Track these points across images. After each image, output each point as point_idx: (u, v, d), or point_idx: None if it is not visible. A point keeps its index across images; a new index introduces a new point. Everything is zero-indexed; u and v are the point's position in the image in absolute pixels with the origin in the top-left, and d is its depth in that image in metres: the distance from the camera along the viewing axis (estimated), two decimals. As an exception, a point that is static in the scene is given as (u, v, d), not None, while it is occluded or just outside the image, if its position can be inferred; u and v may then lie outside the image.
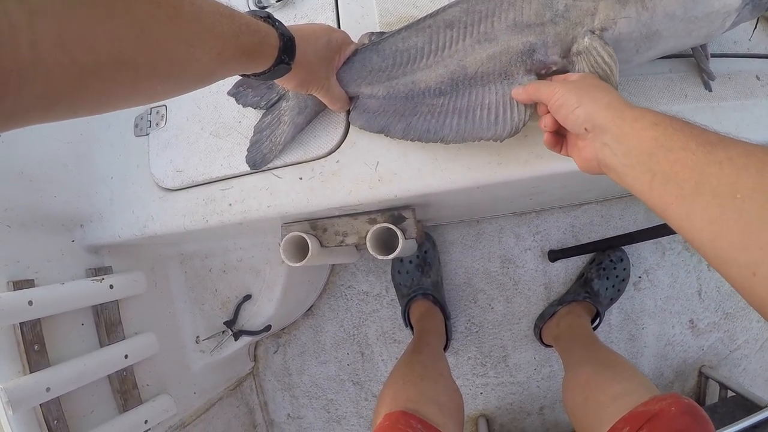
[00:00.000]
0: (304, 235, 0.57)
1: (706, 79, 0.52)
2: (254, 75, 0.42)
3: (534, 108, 0.44)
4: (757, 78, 0.55)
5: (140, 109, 0.69)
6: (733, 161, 0.25)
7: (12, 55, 0.22)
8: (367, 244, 0.55)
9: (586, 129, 0.35)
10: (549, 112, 0.40)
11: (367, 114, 0.51)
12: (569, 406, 0.65)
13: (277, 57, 0.40)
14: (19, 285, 0.61)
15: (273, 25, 0.40)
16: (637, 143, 0.31)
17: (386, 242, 0.59)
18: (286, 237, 0.58)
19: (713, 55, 0.53)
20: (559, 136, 0.43)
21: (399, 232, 0.54)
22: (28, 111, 0.24)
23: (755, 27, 0.55)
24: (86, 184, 0.69)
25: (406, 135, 0.48)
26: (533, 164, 0.49)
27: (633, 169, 0.31)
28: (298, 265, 0.56)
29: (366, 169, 0.52)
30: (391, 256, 0.54)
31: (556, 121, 0.42)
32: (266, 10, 0.60)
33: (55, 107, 0.26)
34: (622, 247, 0.94)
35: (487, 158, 0.49)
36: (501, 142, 0.45)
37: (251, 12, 0.40)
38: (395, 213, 0.57)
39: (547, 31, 0.44)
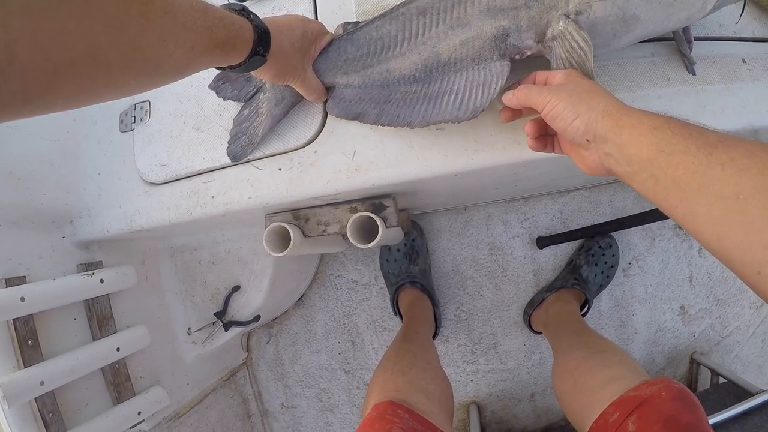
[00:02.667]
0: (286, 225, 0.58)
1: (688, 60, 0.51)
2: (230, 67, 0.42)
3: (497, 95, 0.45)
4: (743, 61, 0.54)
5: (125, 105, 0.69)
6: (734, 162, 0.25)
7: None
8: (348, 233, 0.55)
9: (588, 140, 0.35)
10: (532, 111, 0.40)
11: (344, 103, 0.51)
12: (559, 391, 0.65)
13: (251, 49, 0.41)
14: (11, 282, 0.61)
15: (248, 18, 0.41)
16: (637, 150, 0.31)
17: (370, 231, 0.59)
18: (269, 227, 0.58)
19: (697, 38, 0.52)
20: (545, 137, 0.43)
21: (379, 221, 0.54)
22: (4, 108, 0.25)
23: (742, 10, 0.54)
24: (74, 181, 0.69)
25: (378, 120, 0.48)
26: (510, 150, 0.49)
27: (637, 175, 0.31)
28: (280, 255, 0.57)
29: (344, 159, 0.52)
30: (371, 245, 0.54)
31: (539, 126, 0.42)
32: (243, 2, 0.60)
33: (31, 103, 0.26)
34: (611, 234, 0.94)
35: (463, 145, 0.49)
36: (458, 123, 0.46)
37: (226, 5, 0.40)
38: (376, 202, 0.57)
39: (521, 15, 0.44)
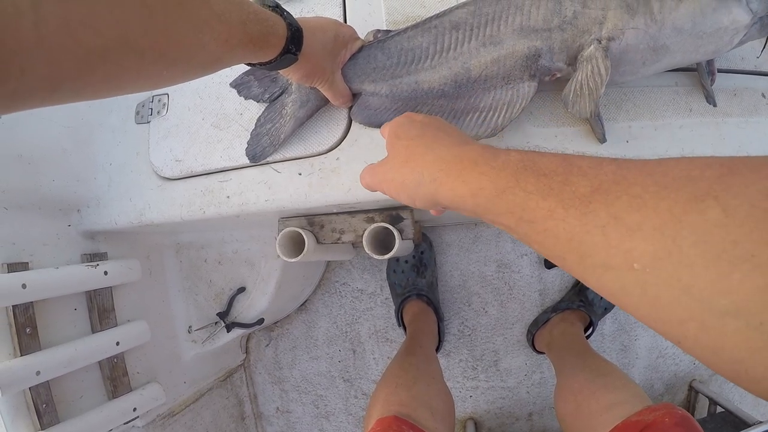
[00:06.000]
0: (301, 231, 0.57)
1: (708, 93, 0.52)
2: (260, 64, 0.41)
3: (518, 115, 0.45)
4: (763, 96, 0.55)
5: (142, 97, 0.68)
6: (619, 221, 0.19)
7: (15, 37, 0.21)
8: (364, 242, 0.55)
9: (444, 207, 0.31)
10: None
11: (369, 111, 0.50)
12: (561, 413, 0.65)
13: (284, 47, 0.40)
14: (13, 267, 0.60)
15: (281, 15, 0.40)
16: (493, 218, 0.25)
17: (383, 241, 0.59)
18: (283, 232, 0.58)
19: (720, 71, 0.53)
20: None
21: (396, 232, 0.54)
22: (32, 93, 0.24)
23: (765, 45, 0.55)
24: (85, 170, 0.68)
25: None
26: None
27: (515, 235, 0.25)
28: (293, 260, 0.56)
29: (366, 168, 0.51)
30: (387, 256, 0.54)
31: None
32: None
33: (59, 90, 0.25)
34: (619, 257, 0.94)
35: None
36: (478, 140, 0.45)
37: (259, 1, 0.40)
38: (393, 213, 0.56)
39: (554, 37, 0.44)
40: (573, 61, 0.45)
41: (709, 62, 0.52)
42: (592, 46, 0.43)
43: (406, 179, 0.31)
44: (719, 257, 0.15)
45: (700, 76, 0.52)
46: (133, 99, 0.69)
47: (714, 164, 0.18)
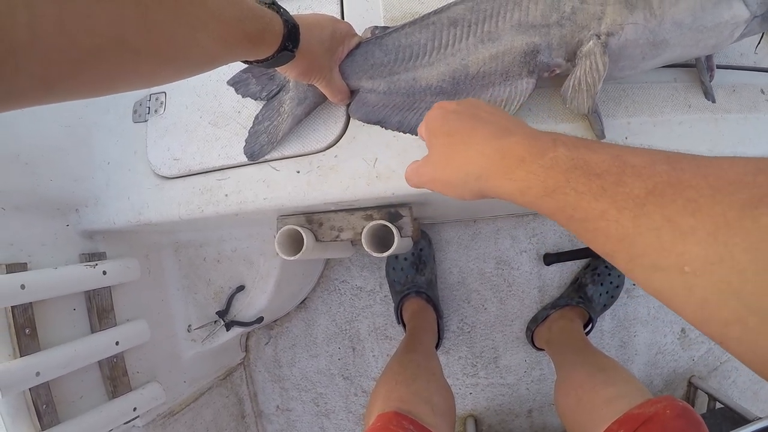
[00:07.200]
0: (300, 229, 0.57)
1: (706, 89, 0.52)
2: (257, 62, 0.41)
3: (516, 112, 0.45)
4: (762, 92, 0.54)
5: (139, 95, 0.68)
6: (673, 224, 0.19)
7: (9, 36, 0.21)
8: (363, 240, 0.54)
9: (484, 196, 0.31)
10: None
11: (367, 107, 0.50)
12: (562, 408, 0.65)
13: (280, 44, 0.40)
14: (12, 268, 0.60)
15: (278, 12, 0.40)
16: (547, 212, 0.25)
17: (382, 239, 0.59)
18: (282, 230, 0.58)
19: (719, 66, 0.53)
20: None
21: (395, 230, 0.54)
22: (26, 92, 0.24)
23: (760, 40, 0.55)
24: (82, 169, 0.68)
25: (400, 127, 0.48)
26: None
27: (565, 227, 0.25)
28: (292, 258, 0.56)
29: (364, 165, 0.51)
30: (386, 254, 0.54)
31: None
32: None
33: (54, 89, 0.25)
34: (618, 254, 0.94)
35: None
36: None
37: None
38: (392, 210, 0.56)
39: (552, 33, 0.44)
40: (572, 57, 0.45)
41: (708, 58, 0.51)
42: (591, 42, 0.43)
43: (451, 179, 0.32)
44: None
45: (699, 72, 0.52)
46: (130, 97, 0.69)
47: (767, 169, 0.18)
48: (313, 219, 0.59)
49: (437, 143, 0.35)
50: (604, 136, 0.48)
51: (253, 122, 0.56)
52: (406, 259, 0.95)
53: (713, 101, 0.52)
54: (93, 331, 0.69)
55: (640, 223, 0.20)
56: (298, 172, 0.53)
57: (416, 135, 0.48)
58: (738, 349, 0.17)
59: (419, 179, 0.37)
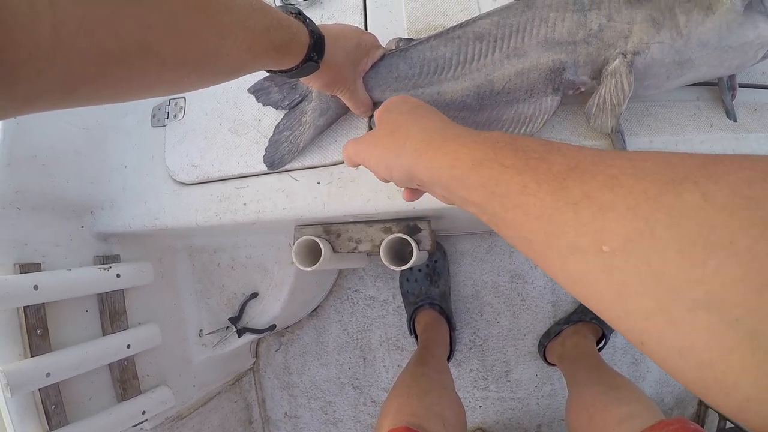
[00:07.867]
0: (318, 240, 0.56)
1: (728, 108, 0.51)
2: (281, 71, 0.41)
3: (539, 129, 0.44)
4: (783, 112, 0.54)
5: (159, 100, 0.68)
6: (591, 200, 0.18)
7: (31, 38, 0.21)
8: (381, 253, 0.54)
9: (418, 185, 0.32)
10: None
11: (390, 122, 0.50)
12: (573, 426, 0.64)
13: (306, 54, 0.40)
14: (26, 268, 0.60)
15: (303, 22, 0.40)
16: (465, 194, 0.25)
17: (399, 251, 0.58)
18: (299, 240, 0.57)
19: (741, 85, 0.52)
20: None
21: (414, 244, 0.53)
22: (47, 95, 0.23)
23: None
24: (99, 172, 0.68)
25: None
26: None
27: (483, 216, 0.25)
28: (309, 269, 0.56)
29: (385, 178, 0.51)
30: (404, 267, 0.53)
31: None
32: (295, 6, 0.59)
33: (76, 93, 0.25)
34: (632, 270, 0.93)
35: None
36: None
37: (281, 7, 0.40)
38: (411, 223, 0.56)
39: (579, 50, 0.44)
40: (597, 75, 0.45)
41: (731, 77, 0.51)
42: (617, 60, 0.43)
43: (387, 149, 0.31)
44: (694, 242, 0.14)
45: (721, 91, 0.51)
46: (149, 101, 0.69)
47: (696, 155, 0.17)
48: (331, 229, 0.59)
49: (387, 117, 0.34)
50: None
51: (274, 131, 0.56)
52: (420, 270, 0.95)
53: (735, 120, 0.51)
54: (105, 333, 0.69)
55: (559, 197, 0.19)
56: (319, 183, 0.53)
57: None
58: (660, 350, 0.15)
59: (354, 149, 0.36)
